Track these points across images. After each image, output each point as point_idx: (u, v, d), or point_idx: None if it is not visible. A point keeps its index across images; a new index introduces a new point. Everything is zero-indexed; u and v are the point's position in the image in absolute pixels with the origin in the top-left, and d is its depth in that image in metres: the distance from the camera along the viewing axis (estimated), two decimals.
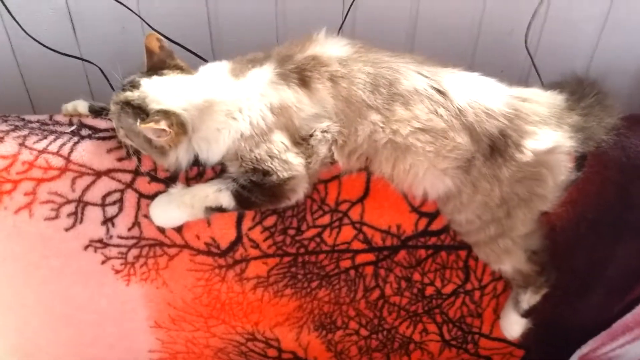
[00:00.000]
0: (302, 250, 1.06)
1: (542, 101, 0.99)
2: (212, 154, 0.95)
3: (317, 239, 1.05)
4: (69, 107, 1.03)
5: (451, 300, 1.15)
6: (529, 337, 1.17)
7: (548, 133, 0.96)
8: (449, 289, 1.13)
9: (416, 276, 1.11)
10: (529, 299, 1.09)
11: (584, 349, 1.28)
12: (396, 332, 1.20)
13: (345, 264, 1.08)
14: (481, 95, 0.95)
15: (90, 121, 1.01)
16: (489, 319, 1.19)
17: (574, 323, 1.22)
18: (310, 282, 1.10)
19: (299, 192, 0.96)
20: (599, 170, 1.04)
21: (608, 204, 1.06)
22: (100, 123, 1.01)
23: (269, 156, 0.93)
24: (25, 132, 0.98)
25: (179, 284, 1.08)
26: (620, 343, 1.26)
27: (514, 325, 1.14)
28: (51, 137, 0.98)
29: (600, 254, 1.11)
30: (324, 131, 0.95)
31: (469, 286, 1.13)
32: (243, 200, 0.94)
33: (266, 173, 0.93)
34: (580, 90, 1.05)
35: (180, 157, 0.95)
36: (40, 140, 0.97)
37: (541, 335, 1.20)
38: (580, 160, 1.02)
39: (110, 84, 1.28)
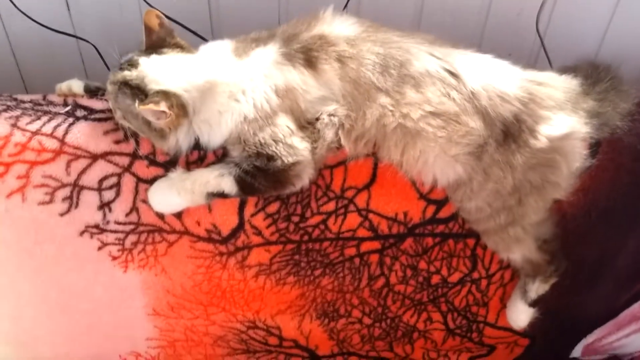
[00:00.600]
0: (305, 237, 1.02)
1: (557, 85, 0.95)
2: (213, 137, 0.91)
3: (322, 226, 1.01)
4: (63, 86, 0.99)
5: (457, 289, 1.13)
6: (535, 326, 1.15)
7: (563, 118, 0.92)
8: (455, 277, 1.11)
9: (422, 264, 1.08)
10: (537, 288, 1.06)
11: (590, 339, 1.27)
12: (400, 321, 1.17)
13: (350, 251, 1.05)
14: (495, 78, 0.91)
15: (86, 101, 0.97)
16: (495, 307, 1.17)
17: (581, 313, 1.20)
18: (313, 270, 1.07)
19: (304, 178, 0.92)
20: (613, 157, 1.00)
21: (621, 191, 1.03)
22: (96, 103, 0.96)
23: (274, 140, 0.89)
24: (17, 112, 0.93)
25: (179, 271, 1.04)
26: (626, 333, 1.25)
27: (520, 315, 1.12)
28: (45, 118, 0.93)
29: (612, 243, 1.08)
30: (330, 114, 0.91)
31: (475, 275, 1.10)
32: (246, 186, 0.90)
33: (270, 158, 0.89)
34: (594, 75, 1.01)
35: (180, 140, 0.91)
36: (34, 121, 0.93)
37: (547, 324, 1.17)
38: (594, 147, 0.98)
39: (105, 63, 1.23)
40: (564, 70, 1.02)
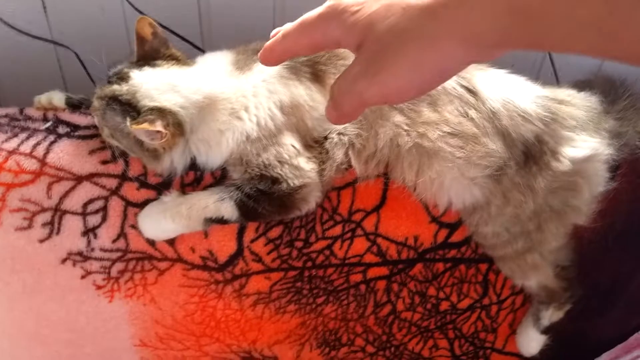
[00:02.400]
0: (309, 264, 0.95)
1: (578, 104, 0.89)
2: (212, 157, 0.83)
3: (327, 252, 0.94)
4: (42, 99, 0.89)
5: (466, 315, 1.07)
6: (541, 351, 1.10)
7: (586, 139, 0.87)
8: (465, 303, 1.05)
9: (431, 291, 1.02)
10: (551, 315, 1.01)
11: None
12: (405, 349, 1.11)
13: (356, 278, 0.98)
14: (515, 95, 0.85)
15: (68, 116, 0.87)
16: (504, 333, 1.11)
17: (590, 337, 1.15)
18: (316, 298, 1.00)
19: (311, 202, 0.85)
20: (632, 179, 0.95)
21: (638, 215, 0.98)
22: (80, 119, 0.87)
23: (278, 161, 0.82)
24: None
25: (170, 300, 0.96)
26: (634, 355, 1.20)
27: (531, 342, 1.06)
28: (23, 135, 0.84)
29: (627, 268, 1.04)
30: (340, 133, 0.84)
31: (486, 301, 1.05)
32: (248, 211, 0.82)
33: (275, 180, 0.81)
34: (612, 92, 0.96)
35: (175, 160, 0.82)
36: (10, 138, 0.83)
37: (554, 348, 1.12)
38: (613, 169, 0.93)
39: (87, 71, 1.14)
40: (578, 85, 0.97)
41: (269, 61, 0.58)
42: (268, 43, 0.57)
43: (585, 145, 0.86)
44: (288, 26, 0.56)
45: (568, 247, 0.95)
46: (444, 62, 0.46)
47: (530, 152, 0.85)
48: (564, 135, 0.86)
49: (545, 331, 1.04)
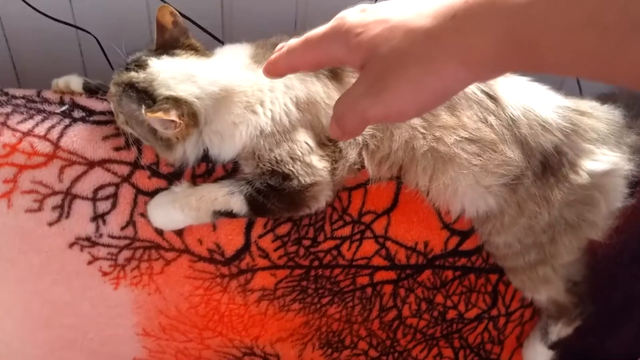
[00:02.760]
0: (316, 263, 0.94)
1: (600, 116, 0.88)
2: (225, 150, 0.83)
3: (334, 252, 0.93)
4: (60, 82, 0.89)
5: (473, 326, 1.05)
6: None
7: (606, 153, 0.85)
8: (472, 313, 1.03)
9: (439, 298, 1.00)
10: (559, 330, 0.99)
11: None
12: (408, 355, 1.09)
13: (363, 280, 0.97)
14: (536, 104, 0.84)
15: (85, 101, 0.87)
16: (510, 346, 1.09)
17: (599, 355, 1.13)
18: (321, 298, 0.99)
19: (321, 200, 0.84)
20: None
21: None
22: (96, 104, 0.87)
23: (291, 158, 0.81)
24: (8, 109, 0.84)
25: (175, 291, 0.95)
26: None
27: (538, 357, 1.04)
28: (38, 118, 0.84)
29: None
30: None
31: (494, 312, 1.03)
32: (257, 206, 0.81)
33: (286, 177, 0.81)
34: (636, 106, 0.94)
35: (187, 151, 0.82)
36: (26, 120, 0.83)
37: None
38: (632, 185, 0.91)
39: (106, 57, 1.14)
40: (601, 98, 0.96)
41: (272, 74, 0.60)
42: (272, 57, 0.58)
43: (605, 159, 0.84)
44: (293, 41, 0.57)
45: (581, 262, 0.93)
46: (445, 83, 0.48)
47: (548, 162, 0.83)
48: (584, 147, 0.84)
49: (552, 346, 1.01)
